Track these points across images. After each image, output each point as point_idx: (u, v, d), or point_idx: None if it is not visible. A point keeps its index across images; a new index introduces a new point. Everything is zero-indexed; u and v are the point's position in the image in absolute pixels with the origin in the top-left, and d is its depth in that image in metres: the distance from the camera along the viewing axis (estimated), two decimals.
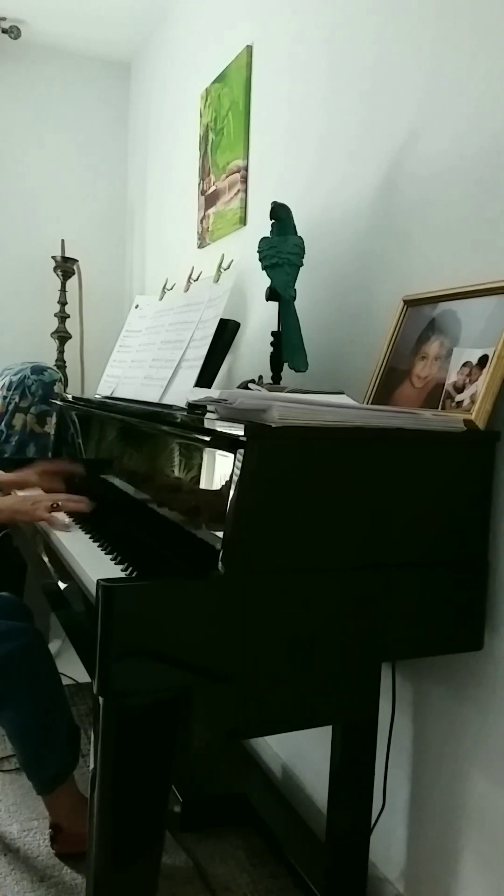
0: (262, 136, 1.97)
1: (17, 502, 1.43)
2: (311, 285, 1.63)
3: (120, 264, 3.31)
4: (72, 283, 3.11)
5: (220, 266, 1.73)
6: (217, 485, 1.08)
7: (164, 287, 2.05)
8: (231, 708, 0.96)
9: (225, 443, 1.02)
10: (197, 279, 1.90)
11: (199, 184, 2.37)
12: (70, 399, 2.09)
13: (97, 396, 2.06)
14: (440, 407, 1.15)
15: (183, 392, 1.51)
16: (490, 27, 1.16)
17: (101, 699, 0.94)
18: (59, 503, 1.41)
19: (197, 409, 1.26)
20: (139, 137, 3.14)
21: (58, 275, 3.06)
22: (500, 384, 1.07)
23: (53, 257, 3.04)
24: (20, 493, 1.64)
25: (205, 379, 1.54)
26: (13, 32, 2.91)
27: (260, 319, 1.89)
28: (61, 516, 1.42)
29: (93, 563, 1.15)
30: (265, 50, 1.95)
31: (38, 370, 2.53)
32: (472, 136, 1.20)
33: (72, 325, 3.12)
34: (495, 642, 1.13)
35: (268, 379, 1.54)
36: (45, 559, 1.39)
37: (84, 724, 2.00)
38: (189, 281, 1.91)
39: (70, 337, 3.10)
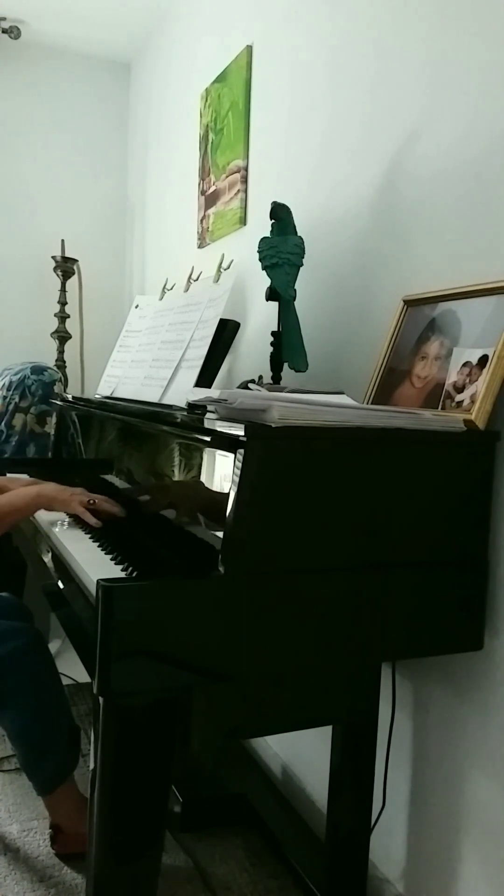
0: (262, 136, 1.97)
1: (57, 490, 1.43)
2: (311, 285, 1.62)
3: (120, 264, 3.31)
4: (72, 283, 3.11)
5: (220, 266, 1.73)
6: (217, 485, 1.08)
7: (164, 287, 2.05)
8: (231, 708, 0.96)
9: (225, 443, 1.02)
10: (197, 279, 1.90)
11: (199, 184, 2.37)
12: (70, 399, 2.09)
13: (97, 396, 2.06)
14: (440, 407, 1.15)
15: (183, 392, 1.51)
16: (490, 27, 1.16)
17: (101, 699, 0.94)
18: (96, 501, 1.41)
19: (197, 409, 1.26)
20: (139, 137, 3.14)
21: (58, 275, 3.06)
22: (500, 384, 1.07)
23: (53, 257, 3.04)
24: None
25: (205, 379, 1.54)
26: (13, 32, 2.90)
27: (260, 319, 1.89)
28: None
29: (93, 563, 1.15)
30: (265, 50, 1.95)
31: (38, 370, 2.53)
32: (472, 137, 1.20)
33: (72, 325, 3.12)
34: (495, 642, 1.13)
35: (268, 379, 1.54)
36: (45, 559, 1.39)
37: (84, 724, 2.00)
38: (189, 281, 1.91)
39: (70, 337, 3.10)
